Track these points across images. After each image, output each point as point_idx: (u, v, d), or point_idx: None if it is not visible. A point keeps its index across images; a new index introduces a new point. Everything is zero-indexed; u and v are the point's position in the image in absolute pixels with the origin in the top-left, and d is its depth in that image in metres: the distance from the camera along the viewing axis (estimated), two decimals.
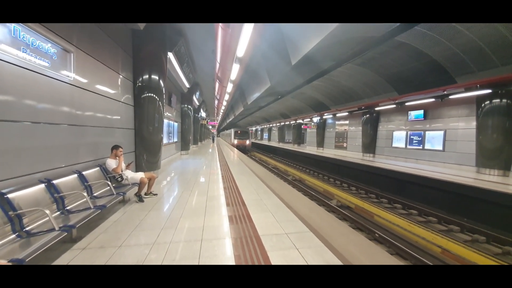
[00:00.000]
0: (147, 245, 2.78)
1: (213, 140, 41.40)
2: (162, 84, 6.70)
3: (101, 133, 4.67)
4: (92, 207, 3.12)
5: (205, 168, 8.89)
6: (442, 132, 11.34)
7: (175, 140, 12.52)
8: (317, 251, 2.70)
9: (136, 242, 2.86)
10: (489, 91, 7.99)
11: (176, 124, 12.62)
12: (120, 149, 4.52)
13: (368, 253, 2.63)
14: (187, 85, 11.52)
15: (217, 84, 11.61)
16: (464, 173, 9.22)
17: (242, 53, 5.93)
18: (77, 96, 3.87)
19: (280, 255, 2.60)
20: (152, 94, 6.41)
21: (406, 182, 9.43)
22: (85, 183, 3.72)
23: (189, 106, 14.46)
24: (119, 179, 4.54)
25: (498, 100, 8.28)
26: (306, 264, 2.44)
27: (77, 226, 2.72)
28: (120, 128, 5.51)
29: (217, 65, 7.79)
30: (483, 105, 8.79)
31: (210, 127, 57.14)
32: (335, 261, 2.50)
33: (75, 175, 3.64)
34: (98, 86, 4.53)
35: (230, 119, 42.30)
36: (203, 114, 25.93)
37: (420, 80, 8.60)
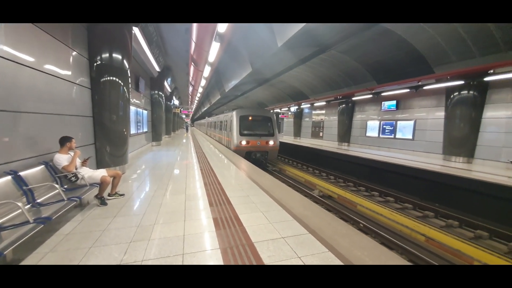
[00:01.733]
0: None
1: (186, 129, 37.27)
2: (127, 65, 5.69)
3: (46, 122, 3.70)
4: (31, 220, 2.34)
5: (180, 161, 8.09)
6: (412, 122, 11.88)
7: (145, 130, 11.33)
8: (324, 260, 2.32)
9: (95, 262, 2.20)
10: (461, 82, 8.35)
11: (145, 112, 11.38)
12: (73, 140, 3.64)
13: (380, 259, 2.32)
14: (157, 69, 10.33)
15: (192, 68, 10.60)
16: (433, 160, 9.76)
17: (224, 28, 5.17)
18: (8, 73, 2.91)
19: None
20: (114, 76, 5.40)
21: (381, 169, 9.71)
22: (24, 187, 2.86)
23: (160, 93, 13.17)
24: (73, 179, 3.67)
25: (466, 92, 8.75)
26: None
27: (11, 247, 1.97)
28: (73, 116, 4.51)
29: (193, 45, 6.90)
30: (452, 96, 9.24)
31: (184, 116, 54.58)
32: None
33: (8, 177, 2.75)
34: (41, 62, 3.52)
35: (205, 108, 40.44)
36: (176, 102, 24.28)
37: (400, 69, 8.69)
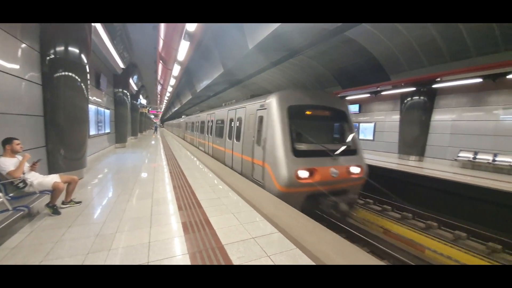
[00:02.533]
0: None
1: (155, 130, 34.75)
2: (86, 59, 5.23)
3: None
4: None
5: (147, 163, 7.66)
6: (372, 124, 12.93)
7: (107, 130, 10.49)
8: (291, 256, 2.41)
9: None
10: (413, 88, 9.34)
11: (108, 111, 10.55)
12: (16, 142, 3.21)
13: (343, 252, 2.48)
14: (122, 65, 9.67)
15: (160, 67, 10.12)
16: (389, 159, 10.73)
17: (193, 27, 5.04)
18: None
19: None
20: (70, 72, 4.92)
21: None
22: None
23: (125, 91, 12.32)
24: (21, 185, 3.24)
25: (417, 97, 9.82)
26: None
27: None
28: (20, 115, 4.00)
29: (161, 42, 6.61)
30: (405, 101, 10.30)
31: (152, 116, 51.76)
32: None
33: None
34: None
35: (176, 108, 38.88)
36: (143, 101, 22.96)
37: (362, 76, 9.41)
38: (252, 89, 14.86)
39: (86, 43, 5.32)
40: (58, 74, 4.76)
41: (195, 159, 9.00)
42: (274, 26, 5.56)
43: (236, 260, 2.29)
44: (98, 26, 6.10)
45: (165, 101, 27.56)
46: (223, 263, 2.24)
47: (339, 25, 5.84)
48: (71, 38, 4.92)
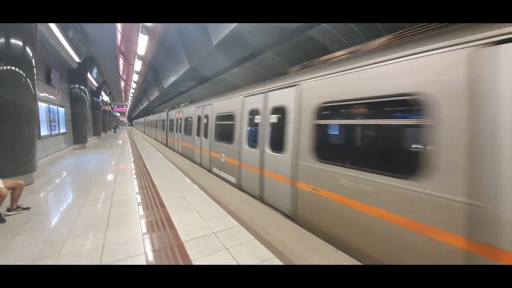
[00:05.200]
0: None
1: (114, 130, 30.52)
2: (31, 53, 4.76)
3: None
4: None
5: (110, 166, 7.24)
6: None
7: (62, 130, 9.64)
8: (249, 248, 2.53)
9: None
10: None
11: (62, 109, 9.67)
12: None
13: (299, 240, 2.68)
14: (77, 59, 8.92)
15: (121, 61, 9.53)
16: None
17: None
18: None
19: (208, 261, 2.27)
20: (13, 66, 4.44)
21: None
22: None
23: (83, 87, 11.39)
24: None
25: None
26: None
27: None
28: None
29: (119, 35, 6.23)
30: None
31: (118, 114, 48.37)
32: (268, 255, 2.40)
33: None
34: None
35: (144, 106, 36.83)
36: (105, 98, 21.39)
37: None
38: (222, 84, 14.72)
39: (32, 36, 4.84)
40: None
41: (163, 157, 8.71)
42: (234, 23, 5.59)
43: (194, 255, 2.35)
44: None
45: (130, 98, 25.96)
46: (180, 260, 2.28)
47: (300, 25, 6.08)
48: (13, 30, 4.43)
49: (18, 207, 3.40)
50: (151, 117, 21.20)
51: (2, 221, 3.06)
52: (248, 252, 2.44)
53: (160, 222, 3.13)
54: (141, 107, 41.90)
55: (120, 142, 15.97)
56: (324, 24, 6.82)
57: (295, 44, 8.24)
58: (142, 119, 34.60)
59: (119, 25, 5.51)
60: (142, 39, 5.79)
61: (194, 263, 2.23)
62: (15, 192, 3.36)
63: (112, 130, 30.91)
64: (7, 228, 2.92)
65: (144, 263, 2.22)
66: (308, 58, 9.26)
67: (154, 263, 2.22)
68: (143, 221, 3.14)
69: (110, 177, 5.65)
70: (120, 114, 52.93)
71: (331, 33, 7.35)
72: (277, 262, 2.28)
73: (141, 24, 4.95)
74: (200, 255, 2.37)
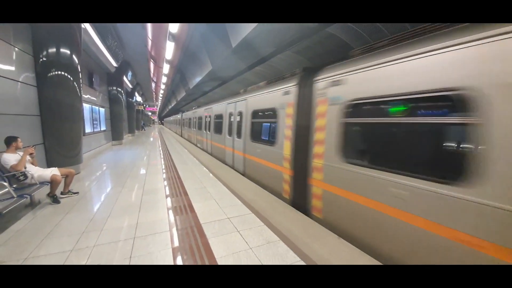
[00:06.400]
0: (63, 253, 2.33)
1: (142, 127, 30.45)
2: (77, 60, 5.53)
3: None
4: None
5: (142, 160, 8.03)
6: None
7: (103, 128, 10.82)
8: (258, 231, 2.81)
9: (47, 252, 2.36)
10: None
11: (103, 109, 10.84)
12: (18, 140, 3.60)
13: (303, 226, 2.88)
14: (114, 64, 9.92)
15: (151, 64, 10.36)
16: None
17: (176, 29, 5.33)
18: None
19: (221, 240, 2.59)
20: (63, 72, 5.23)
21: None
22: None
23: (119, 89, 12.58)
24: (22, 178, 3.62)
25: None
26: (249, 247, 2.50)
27: None
28: (18, 115, 4.34)
29: (149, 42, 6.87)
30: None
31: (150, 113, 51.85)
32: (274, 238, 2.65)
33: None
34: None
35: (172, 105, 39.03)
36: (138, 98, 23.16)
37: None
38: (244, 83, 15.11)
39: (77, 45, 5.59)
40: (51, 76, 5.06)
41: (188, 153, 9.36)
42: (252, 25, 5.84)
43: (209, 235, 2.69)
44: (88, 26, 6.36)
45: (160, 98, 27.68)
46: (198, 237, 2.63)
47: (319, 23, 6.12)
48: (62, 41, 5.20)
49: (69, 191, 4.09)
50: (189, 113, 15.94)
51: (57, 202, 3.73)
52: (256, 234, 2.72)
53: (183, 208, 3.55)
54: (169, 107, 44.40)
55: (152, 139, 17.29)
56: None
57: (315, 42, 8.26)
58: (173, 117, 31.15)
59: (149, 32, 6.11)
60: (169, 45, 6.32)
61: (209, 241, 2.56)
62: (67, 179, 4.05)
63: (141, 129, 30.15)
64: (61, 208, 3.56)
65: (169, 239, 2.61)
66: (330, 55, 9.18)
67: (177, 239, 2.60)
68: (169, 206, 3.58)
69: (142, 169, 6.33)
70: (152, 113, 56.54)
71: (351, 29, 7.24)
72: (281, 245, 2.52)
73: (168, 31, 5.44)
74: (215, 235, 2.70)
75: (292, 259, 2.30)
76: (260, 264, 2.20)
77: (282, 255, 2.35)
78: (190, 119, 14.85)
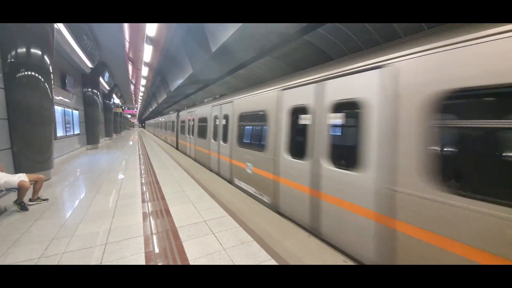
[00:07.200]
0: (30, 260, 2.27)
1: (120, 131, 29.17)
2: (48, 60, 5.32)
3: None
4: None
5: (119, 164, 7.80)
6: None
7: (77, 132, 10.34)
8: (233, 233, 2.91)
9: (13, 260, 2.29)
10: None
11: (76, 112, 10.38)
12: None
13: (278, 226, 3.03)
14: (90, 65, 9.58)
15: (130, 66, 10.14)
16: None
17: (153, 32, 5.33)
18: None
19: (196, 242, 2.66)
20: (33, 73, 5.01)
21: None
22: None
23: (95, 91, 12.11)
24: None
25: None
26: (223, 248, 2.59)
27: None
28: None
29: (127, 44, 6.76)
30: None
31: (129, 116, 49.93)
32: (247, 238, 2.77)
33: None
34: None
35: (153, 108, 37.93)
36: (116, 100, 22.33)
37: None
38: (226, 87, 15.19)
39: (49, 45, 5.38)
40: (19, 76, 4.83)
41: (169, 157, 9.22)
42: (232, 30, 5.99)
43: (185, 238, 2.75)
44: (61, 26, 6.13)
45: (140, 100, 26.85)
46: (172, 240, 2.68)
47: (296, 31, 6.41)
48: (32, 41, 4.99)
49: (38, 198, 3.92)
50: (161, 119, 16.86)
51: (25, 209, 3.57)
52: (231, 236, 2.82)
53: (159, 212, 3.55)
54: (150, 109, 43.11)
55: (131, 143, 16.72)
56: (319, 30, 7.12)
57: (293, 48, 8.58)
58: (153, 120, 30.65)
59: (126, 34, 6.02)
60: (147, 48, 6.27)
61: (184, 244, 2.62)
62: (36, 185, 3.89)
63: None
64: (29, 215, 3.41)
65: (142, 243, 2.63)
66: (307, 61, 9.58)
67: (151, 243, 2.63)
68: (144, 211, 3.57)
69: (119, 174, 6.17)
70: (131, 116, 54.52)
71: (327, 38, 7.64)
72: (254, 245, 2.64)
73: (145, 34, 5.41)
74: (190, 237, 2.76)
75: (264, 257, 2.43)
76: (232, 264, 2.31)
77: (254, 254, 2.47)
78: (173, 122, 14.43)
